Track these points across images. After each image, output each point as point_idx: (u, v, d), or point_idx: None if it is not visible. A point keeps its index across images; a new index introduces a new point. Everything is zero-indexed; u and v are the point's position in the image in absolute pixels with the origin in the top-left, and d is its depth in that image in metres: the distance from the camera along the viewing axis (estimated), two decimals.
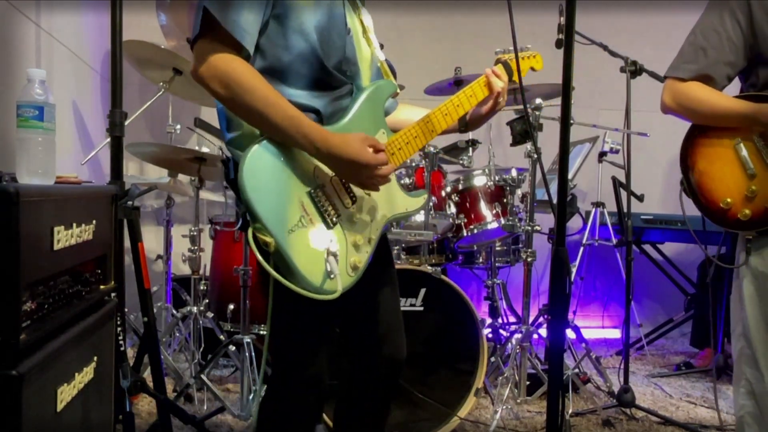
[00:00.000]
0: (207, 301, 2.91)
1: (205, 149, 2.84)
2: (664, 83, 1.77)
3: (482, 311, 3.49)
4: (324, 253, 1.30)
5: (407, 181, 2.73)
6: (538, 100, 2.62)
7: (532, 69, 1.74)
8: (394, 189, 1.47)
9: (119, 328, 1.75)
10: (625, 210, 2.77)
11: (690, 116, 1.72)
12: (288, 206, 1.26)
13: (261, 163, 1.25)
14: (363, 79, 1.48)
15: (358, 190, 1.39)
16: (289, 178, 1.28)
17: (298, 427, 1.46)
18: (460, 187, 2.82)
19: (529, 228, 2.73)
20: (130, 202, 1.84)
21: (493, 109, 1.58)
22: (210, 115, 3.49)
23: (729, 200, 1.64)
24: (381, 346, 1.56)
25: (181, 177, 3.09)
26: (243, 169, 1.22)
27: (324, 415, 2.09)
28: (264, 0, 1.29)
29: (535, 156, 2.74)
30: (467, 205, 2.78)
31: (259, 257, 1.23)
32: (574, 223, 3.67)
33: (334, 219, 1.34)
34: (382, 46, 1.57)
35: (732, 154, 1.66)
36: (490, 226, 2.74)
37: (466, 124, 1.62)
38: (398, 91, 1.49)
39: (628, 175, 2.72)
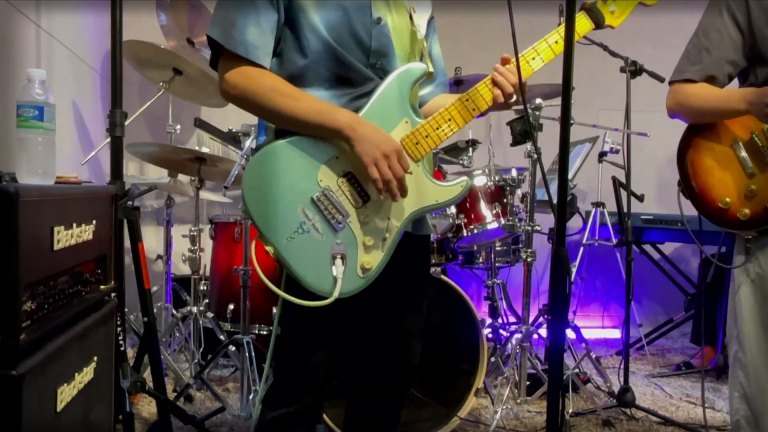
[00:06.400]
0: (207, 301, 2.91)
1: (205, 149, 2.84)
2: (670, 88, 1.74)
3: (482, 311, 3.49)
4: (329, 257, 1.30)
5: None
6: (538, 100, 2.62)
7: (642, 4, 1.61)
8: (420, 181, 1.37)
9: (119, 328, 1.75)
10: (625, 210, 2.77)
11: (688, 113, 1.70)
12: (286, 215, 1.29)
13: (258, 177, 1.29)
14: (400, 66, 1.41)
15: (372, 190, 1.34)
16: (288, 188, 1.30)
17: (295, 427, 1.45)
18: None
19: (529, 228, 2.73)
20: (130, 202, 1.84)
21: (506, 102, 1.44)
22: (210, 115, 3.50)
23: (727, 200, 1.62)
24: (391, 352, 1.52)
25: (181, 177, 3.09)
26: (243, 185, 1.29)
27: (324, 415, 2.09)
28: (272, 9, 1.32)
29: (535, 156, 2.74)
30: (467, 205, 2.78)
31: (256, 266, 1.32)
32: (574, 223, 3.66)
33: (341, 222, 1.32)
34: None
35: (730, 153, 1.64)
36: (490, 226, 2.74)
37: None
38: (431, 70, 1.41)
39: (628, 175, 2.73)
